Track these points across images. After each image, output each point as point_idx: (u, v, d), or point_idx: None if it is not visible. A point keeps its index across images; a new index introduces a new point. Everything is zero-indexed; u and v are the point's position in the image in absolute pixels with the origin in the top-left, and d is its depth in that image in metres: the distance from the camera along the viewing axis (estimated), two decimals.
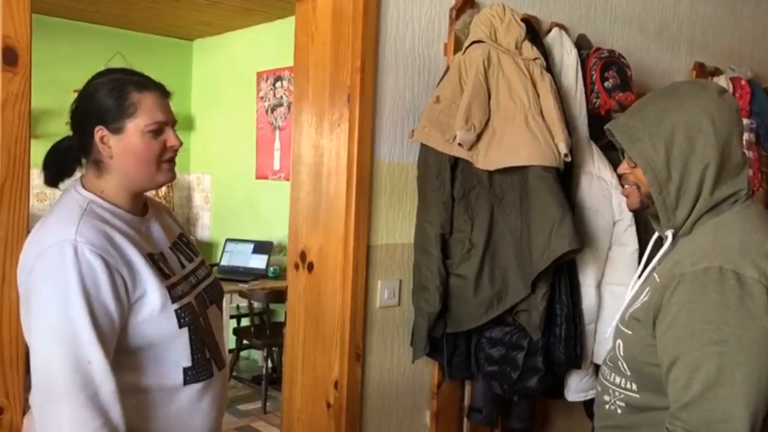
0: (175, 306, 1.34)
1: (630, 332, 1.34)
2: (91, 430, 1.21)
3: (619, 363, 1.36)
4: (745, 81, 3.12)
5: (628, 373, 1.34)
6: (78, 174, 1.43)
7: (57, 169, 1.41)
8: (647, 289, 1.34)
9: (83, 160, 1.41)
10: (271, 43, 5.06)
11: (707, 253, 1.24)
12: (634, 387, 1.34)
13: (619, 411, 1.37)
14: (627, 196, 1.43)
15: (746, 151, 3.04)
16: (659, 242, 1.43)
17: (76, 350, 1.21)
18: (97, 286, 1.23)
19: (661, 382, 1.26)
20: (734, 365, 1.15)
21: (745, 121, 3.06)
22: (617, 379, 1.38)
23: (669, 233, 1.36)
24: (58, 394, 1.21)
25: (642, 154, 1.33)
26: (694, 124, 1.28)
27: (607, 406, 1.40)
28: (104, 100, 1.34)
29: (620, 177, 1.46)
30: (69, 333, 1.22)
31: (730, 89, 3.06)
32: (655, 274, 1.36)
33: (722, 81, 3.06)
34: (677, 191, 1.30)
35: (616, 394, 1.37)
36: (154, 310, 1.30)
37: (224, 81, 5.63)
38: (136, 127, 1.34)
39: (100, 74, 1.40)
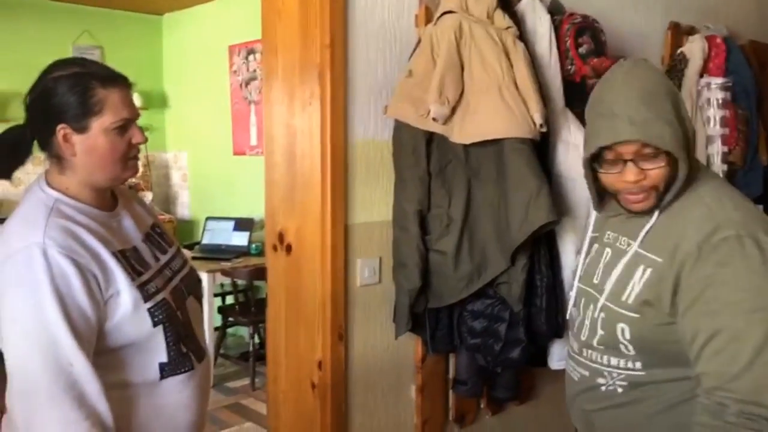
0: (148, 305, 1.32)
1: (637, 315, 1.32)
2: (82, 431, 1.19)
3: (621, 346, 1.35)
4: (721, 39, 3.10)
5: (632, 353, 1.34)
6: (30, 165, 1.36)
7: (5, 160, 1.35)
8: (641, 268, 1.33)
9: (38, 152, 1.36)
10: (242, 15, 4.95)
11: (718, 223, 1.25)
12: (638, 365, 1.35)
13: (620, 390, 1.38)
14: (641, 201, 1.33)
15: (722, 110, 3.04)
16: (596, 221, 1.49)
17: (55, 354, 1.19)
18: (69, 288, 1.21)
19: (673, 357, 1.28)
20: None
21: (721, 79, 3.05)
22: (614, 361, 1.37)
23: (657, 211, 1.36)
24: (42, 401, 1.19)
25: (676, 145, 1.27)
26: (674, 93, 1.33)
27: (603, 388, 1.39)
28: (66, 96, 1.28)
29: (629, 186, 1.32)
30: (45, 338, 1.19)
31: (706, 48, 3.05)
32: (642, 251, 1.35)
33: (697, 40, 3.05)
34: (688, 161, 1.30)
35: (615, 375, 1.38)
36: (126, 311, 1.28)
37: (196, 56, 5.52)
38: (101, 125, 1.29)
39: (57, 65, 1.33)
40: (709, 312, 1.22)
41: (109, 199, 1.42)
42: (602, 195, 1.45)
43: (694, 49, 3.03)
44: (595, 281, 1.45)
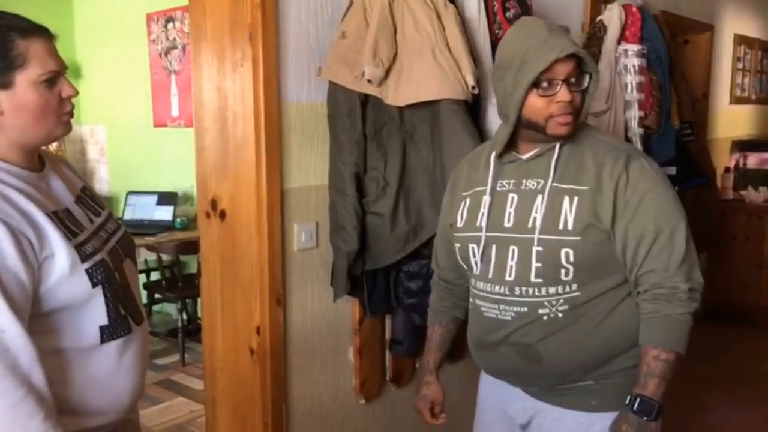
0: (86, 265, 1.27)
1: (579, 238, 1.44)
2: (14, 400, 1.14)
3: (562, 271, 1.44)
4: (636, 8, 3.22)
5: (570, 278, 1.45)
6: None
7: None
8: (566, 199, 1.45)
9: None
10: None
11: (628, 152, 1.49)
12: (575, 287, 1.46)
13: (560, 315, 1.47)
14: (568, 123, 1.44)
15: (639, 76, 3.18)
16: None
17: None
18: (1, 253, 1.15)
19: (606, 270, 1.47)
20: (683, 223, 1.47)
21: (637, 46, 3.18)
22: (553, 290, 1.46)
23: (558, 145, 1.49)
24: None
25: (595, 67, 1.46)
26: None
27: (545, 318, 1.48)
28: None
29: (559, 106, 1.42)
30: None
31: (623, 16, 3.17)
32: (559, 185, 1.47)
33: (615, 8, 3.16)
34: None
35: (554, 302, 1.47)
36: (63, 271, 1.23)
37: (111, 24, 5.27)
38: (27, 79, 1.22)
39: None
40: (651, 218, 1.44)
41: (36, 160, 1.36)
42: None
43: (612, 17, 3.14)
44: (508, 225, 1.51)
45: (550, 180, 1.48)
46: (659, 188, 1.46)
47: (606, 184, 1.44)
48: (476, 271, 1.57)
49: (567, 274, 1.45)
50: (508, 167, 1.56)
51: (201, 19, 2.09)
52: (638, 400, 1.42)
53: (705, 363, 3.94)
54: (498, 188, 1.55)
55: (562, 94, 1.41)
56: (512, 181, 1.54)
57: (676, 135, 3.44)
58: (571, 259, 1.44)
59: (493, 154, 1.57)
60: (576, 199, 1.45)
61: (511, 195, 1.53)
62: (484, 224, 1.54)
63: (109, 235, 1.42)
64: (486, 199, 1.55)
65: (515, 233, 1.50)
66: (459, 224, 1.62)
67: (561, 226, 1.45)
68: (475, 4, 2.28)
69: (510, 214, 1.51)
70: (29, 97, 1.23)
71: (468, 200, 1.61)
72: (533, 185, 1.50)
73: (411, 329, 2.31)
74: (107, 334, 1.31)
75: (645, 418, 1.41)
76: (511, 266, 1.50)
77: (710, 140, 4.61)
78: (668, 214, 1.45)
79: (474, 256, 1.56)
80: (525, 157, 1.54)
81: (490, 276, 1.54)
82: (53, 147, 5.17)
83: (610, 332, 1.50)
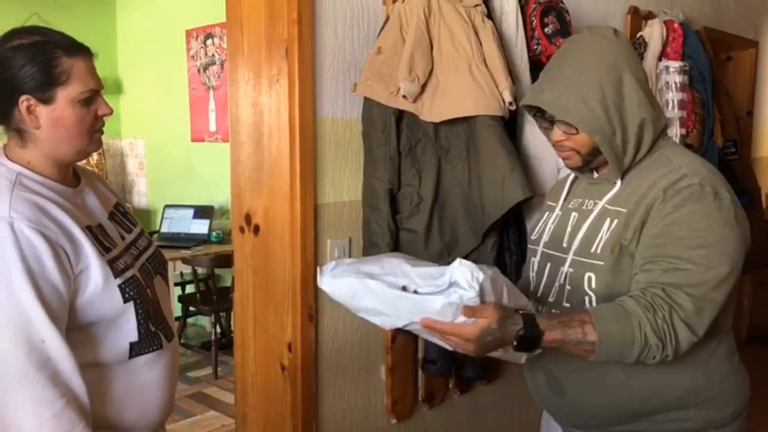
0: (118, 281, 1.28)
1: (602, 263, 1.37)
2: (56, 410, 1.15)
3: (585, 299, 1.38)
4: (678, 24, 3.16)
5: (594, 305, 1.37)
6: None
7: None
8: (608, 220, 1.39)
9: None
10: None
11: (685, 173, 1.33)
12: None
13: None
14: (567, 159, 1.46)
15: (680, 93, 3.10)
16: (573, 182, 1.58)
17: (27, 331, 1.15)
18: (40, 264, 1.17)
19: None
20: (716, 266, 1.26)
21: (678, 63, 3.11)
22: None
23: (618, 180, 1.42)
24: (13, 380, 1.15)
25: (584, 120, 1.35)
26: (614, 73, 1.35)
27: None
28: (28, 66, 1.23)
29: (555, 144, 1.46)
30: (16, 314, 1.15)
31: (664, 32, 3.11)
32: (608, 206, 1.42)
33: (656, 24, 3.10)
34: (622, 141, 1.37)
35: None
36: (96, 286, 1.24)
37: (152, 40, 5.38)
38: (67, 96, 1.25)
39: (14, 34, 1.27)
40: (658, 244, 1.30)
41: (72, 176, 1.38)
42: None
43: (653, 33, 3.08)
44: (564, 245, 1.48)
45: (602, 201, 1.44)
46: (692, 216, 1.27)
47: (643, 205, 1.35)
48: (532, 287, 1.57)
49: (590, 302, 1.38)
50: (582, 186, 1.55)
51: (238, 35, 2.11)
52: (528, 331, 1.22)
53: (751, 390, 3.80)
54: (569, 206, 1.55)
55: (553, 133, 1.43)
56: (579, 200, 1.53)
57: (719, 153, 3.34)
58: (593, 285, 1.37)
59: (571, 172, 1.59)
60: (615, 221, 1.39)
61: (573, 214, 1.51)
62: (542, 240, 1.56)
63: (140, 252, 1.43)
64: (552, 215, 1.58)
65: (566, 253, 1.47)
66: (532, 236, 1.65)
67: (593, 249, 1.40)
68: (513, 20, 2.26)
69: (567, 233, 1.50)
70: (67, 114, 1.25)
71: (546, 213, 1.64)
72: (590, 205, 1.48)
73: (444, 349, 2.25)
74: (136, 350, 1.32)
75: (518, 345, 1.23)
76: (556, 287, 1.47)
77: (755, 159, 4.48)
78: (681, 245, 1.26)
79: (532, 271, 1.57)
80: (596, 176, 1.53)
81: (539, 294, 1.52)
82: (93, 160, 5.28)
83: (644, 386, 1.39)
